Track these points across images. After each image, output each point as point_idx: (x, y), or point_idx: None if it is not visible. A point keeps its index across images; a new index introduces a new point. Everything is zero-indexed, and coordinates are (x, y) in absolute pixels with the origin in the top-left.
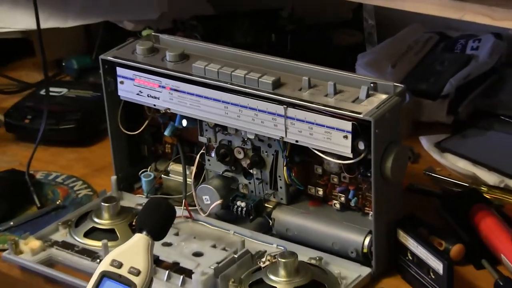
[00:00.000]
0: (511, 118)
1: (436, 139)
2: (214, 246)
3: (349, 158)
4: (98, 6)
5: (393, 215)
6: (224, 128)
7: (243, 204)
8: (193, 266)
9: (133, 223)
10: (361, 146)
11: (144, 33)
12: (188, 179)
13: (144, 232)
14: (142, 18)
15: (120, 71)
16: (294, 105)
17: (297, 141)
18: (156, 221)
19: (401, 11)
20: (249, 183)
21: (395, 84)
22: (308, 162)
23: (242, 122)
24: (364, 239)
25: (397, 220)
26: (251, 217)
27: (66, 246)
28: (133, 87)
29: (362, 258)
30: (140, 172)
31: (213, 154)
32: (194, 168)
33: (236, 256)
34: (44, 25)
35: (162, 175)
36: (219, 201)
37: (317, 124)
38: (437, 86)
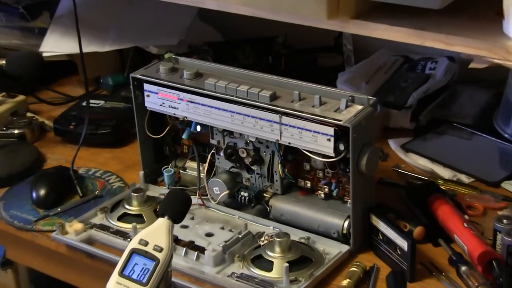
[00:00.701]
0: (461, 125)
1: (402, 141)
2: (222, 228)
3: (331, 157)
4: (129, 34)
5: (367, 203)
6: (230, 133)
7: (246, 194)
8: (205, 244)
9: (157, 210)
10: (341, 147)
11: (166, 56)
12: (201, 174)
13: (166, 217)
14: (164, 44)
15: (146, 86)
16: (287, 114)
17: (289, 143)
18: (176, 208)
19: (373, 38)
20: (251, 177)
21: (368, 97)
22: (298, 160)
23: (245, 128)
24: (344, 223)
25: (370, 207)
26: (252, 204)
27: (103, 228)
28: (157, 99)
29: (342, 238)
30: (163, 168)
31: (221, 154)
32: (206, 165)
33: (240, 236)
34: (85, 49)
35: (181, 171)
36: (226, 192)
37: (305, 129)
38: (402, 99)
